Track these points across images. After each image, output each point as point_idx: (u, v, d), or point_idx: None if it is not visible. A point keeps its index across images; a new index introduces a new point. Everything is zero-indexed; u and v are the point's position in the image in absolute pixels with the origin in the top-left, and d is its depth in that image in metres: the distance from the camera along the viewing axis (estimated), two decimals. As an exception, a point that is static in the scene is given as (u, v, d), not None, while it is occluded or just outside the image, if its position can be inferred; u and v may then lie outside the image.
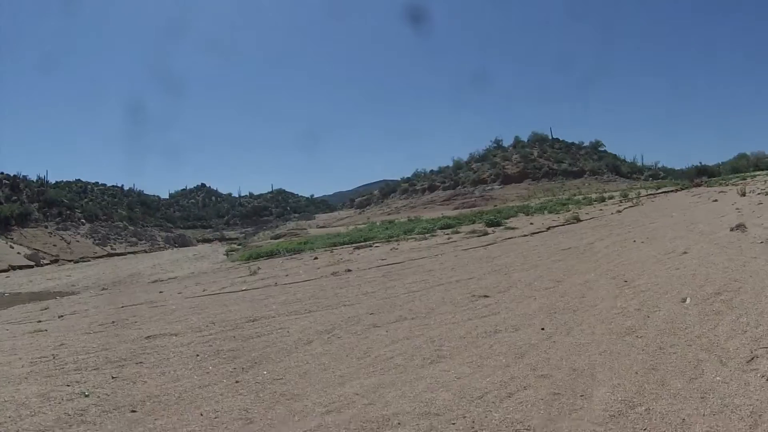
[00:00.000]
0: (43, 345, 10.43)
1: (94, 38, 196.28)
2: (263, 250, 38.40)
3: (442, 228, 36.43)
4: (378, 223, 56.30)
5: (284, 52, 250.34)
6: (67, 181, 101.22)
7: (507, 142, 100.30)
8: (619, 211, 37.83)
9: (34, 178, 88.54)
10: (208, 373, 7.51)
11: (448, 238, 27.91)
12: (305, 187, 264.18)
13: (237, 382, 7.08)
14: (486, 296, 11.78)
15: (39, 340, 11.19)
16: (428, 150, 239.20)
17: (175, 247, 77.24)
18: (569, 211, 42.47)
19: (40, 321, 15.34)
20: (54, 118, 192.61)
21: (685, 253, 14.43)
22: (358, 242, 34.67)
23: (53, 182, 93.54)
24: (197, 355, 8.43)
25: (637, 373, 5.97)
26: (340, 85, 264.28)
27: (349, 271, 19.17)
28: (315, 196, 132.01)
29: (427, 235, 31.79)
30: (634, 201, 46.80)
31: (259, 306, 12.98)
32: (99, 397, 6.67)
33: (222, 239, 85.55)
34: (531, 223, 33.52)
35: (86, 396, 6.71)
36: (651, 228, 23.70)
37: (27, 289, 35.63)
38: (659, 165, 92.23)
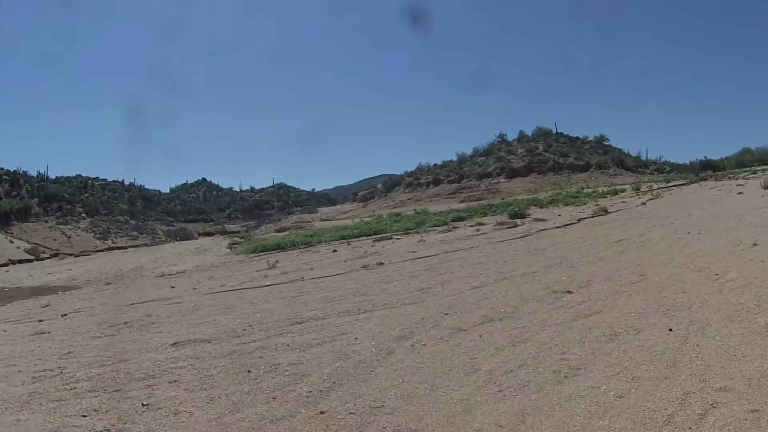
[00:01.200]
0: (47, 352, 8.60)
1: (94, 35, 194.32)
2: (269, 243, 36.84)
3: (454, 220, 35.10)
4: (385, 216, 55.02)
5: (283, 48, 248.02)
6: (67, 176, 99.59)
7: (511, 137, 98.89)
8: (644, 203, 36.45)
9: (35, 174, 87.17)
10: (274, 399, 5.60)
11: (477, 230, 26.12)
12: (306, 182, 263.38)
13: (322, 412, 5.18)
14: (569, 292, 10.11)
15: (42, 345, 9.34)
16: (429, 145, 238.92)
17: (177, 240, 75.76)
18: (584, 204, 41.03)
19: (41, 320, 13.50)
20: (54, 114, 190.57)
21: (755, 245, 13.51)
22: (369, 235, 33.29)
23: (53, 177, 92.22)
24: (249, 372, 6.54)
25: (817, 379, 5.07)
26: (341, 81, 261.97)
27: (382, 264, 17.28)
28: (316, 190, 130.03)
29: (449, 227, 29.96)
30: (654, 194, 45.48)
31: (297, 304, 11.11)
32: (131, 437, 4.79)
33: (223, 232, 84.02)
34: (559, 215, 31.92)
35: (112, 435, 4.83)
36: (693, 220, 22.41)
37: (27, 283, 33.83)
38: (663, 159, 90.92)
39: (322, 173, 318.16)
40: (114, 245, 68.58)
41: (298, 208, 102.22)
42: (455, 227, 30.20)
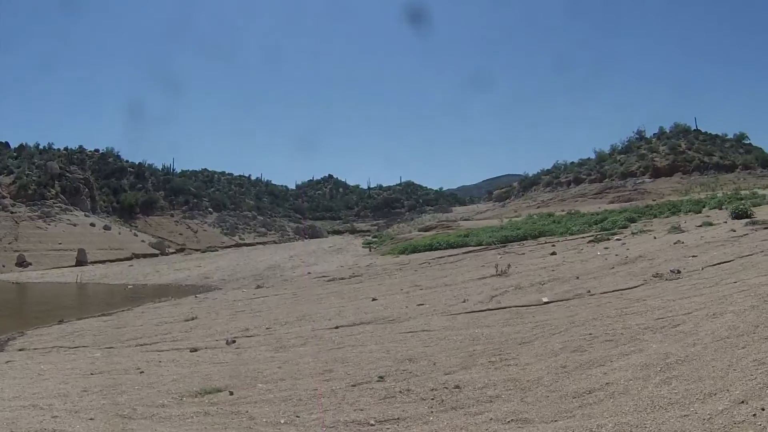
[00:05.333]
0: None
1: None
2: (418, 243, 32.53)
3: (627, 220, 30.99)
4: (535, 216, 50.19)
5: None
6: (193, 170, 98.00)
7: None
8: None
9: (160, 167, 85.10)
10: None
11: (732, 230, 19.54)
12: (429, 181, 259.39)
13: None
14: None
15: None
16: (550, 144, 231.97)
17: (306, 238, 71.85)
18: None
19: (194, 350, 8.31)
20: (180, 109, 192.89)
21: None
22: (536, 236, 28.97)
23: (179, 171, 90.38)
24: None
25: None
26: (460, 84, 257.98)
27: (678, 272, 11.19)
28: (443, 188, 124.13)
29: (674, 227, 23.77)
30: None
31: (711, 353, 5.29)
32: None
33: (353, 231, 79.62)
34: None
35: None
36: None
37: (153, 280, 29.54)
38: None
39: (444, 173, 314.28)
40: (241, 241, 65.37)
41: (430, 208, 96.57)
42: (676, 227, 23.90)
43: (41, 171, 59.97)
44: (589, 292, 10.21)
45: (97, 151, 77.63)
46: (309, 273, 25.71)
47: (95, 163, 74.17)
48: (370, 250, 39.55)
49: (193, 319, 12.28)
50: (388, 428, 4.20)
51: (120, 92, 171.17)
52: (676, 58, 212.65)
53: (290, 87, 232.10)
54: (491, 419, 4.21)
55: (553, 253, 19.21)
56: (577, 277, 12.39)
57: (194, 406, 5.11)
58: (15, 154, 67.31)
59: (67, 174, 61.06)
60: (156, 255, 49.70)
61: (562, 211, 54.53)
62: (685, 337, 6.05)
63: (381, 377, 5.53)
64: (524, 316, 8.39)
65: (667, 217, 32.89)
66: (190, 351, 8.40)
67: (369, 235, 62.97)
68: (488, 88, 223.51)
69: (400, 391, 5.02)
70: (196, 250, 55.84)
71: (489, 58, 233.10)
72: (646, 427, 3.84)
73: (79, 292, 27.33)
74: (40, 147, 71.52)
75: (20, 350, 9.97)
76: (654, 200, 57.57)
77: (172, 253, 52.89)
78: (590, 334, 6.69)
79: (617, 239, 21.92)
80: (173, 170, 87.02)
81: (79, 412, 5.12)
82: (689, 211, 33.19)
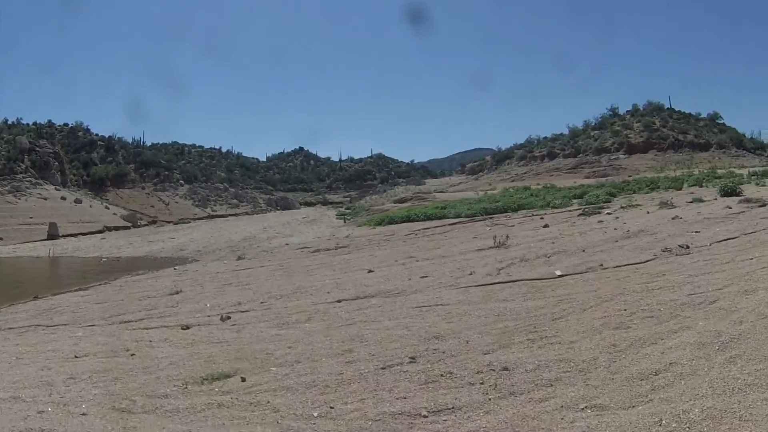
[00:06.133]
0: None
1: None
2: (395, 215, 31.89)
3: (610, 195, 30.54)
4: (512, 190, 49.96)
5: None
6: (163, 143, 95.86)
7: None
8: None
9: (130, 140, 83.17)
10: None
11: (728, 207, 19.12)
12: (400, 153, 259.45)
13: None
14: None
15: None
16: (520, 119, 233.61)
17: (278, 209, 71.18)
18: (760, 184, 34.02)
19: (186, 327, 7.93)
20: (153, 82, 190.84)
21: None
22: (515, 209, 28.63)
23: (149, 144, 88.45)
24: None
25: None
26: (437, 56, 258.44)
27: (687, 247, 10.72)
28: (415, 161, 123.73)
29: (665, 202, 23.37)
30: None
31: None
32: None
33: (325, 203, 79.70)
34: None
35: None
36: None
37: (127, 253, 28.67)
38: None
39: (414, 146, 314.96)
40: (214, 213, 64.69)
41: (402, 180, 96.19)
42: (666, 204, 23.49)
43: (10, 146, 58.33)
44: (602, 265, 9.73)
45: (66, 125, 76.00)
46: (287, 244, 25.12)
47: (65, 137, 72.60)
48: (345, 222, 39.17)
49: (177, 292, 11.60)
50: (445, 420, 3.60)
51: (119, 90, 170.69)
52: (652, 41, 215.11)
53: (288, 83, 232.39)
54: (561, 406, 3.64)
55: (546, 226, 18.76)
56: (583, 250, 11.91)
57: (203, 396, 4.44)
58: (-17, 129, 65.50)
59: (37, 148, 59.52)
60: (128, 227, 48.56)
61: (538, 184, 54.16)
62: (728, 314, 5.56)
63: (412, 358, 4.93)
64: (543, 290, 7.85)
65: (647, 192, 32.54)
66: (182, 328, 7.75)
67: (342, 207, 62.53)
68: (481, 83, 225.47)
69: (441, 375, 4.42)
70: (168, 222, 54.80)
71: (481, 54, 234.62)
72: (735, 411, 3.43)
73: (53, 266, 26.44)
74: (9, 122, 69.78)
75: (-6, 330, 9.25)
76: (630, 176, 57.47)
77: (144, 225, 51.82)
78: (625, 310, 6.16)
79: (608, 213, 21.50)
80: (143, 143, 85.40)
81: (68, 405, 4.41)
82: (669, 188, 32.79)
